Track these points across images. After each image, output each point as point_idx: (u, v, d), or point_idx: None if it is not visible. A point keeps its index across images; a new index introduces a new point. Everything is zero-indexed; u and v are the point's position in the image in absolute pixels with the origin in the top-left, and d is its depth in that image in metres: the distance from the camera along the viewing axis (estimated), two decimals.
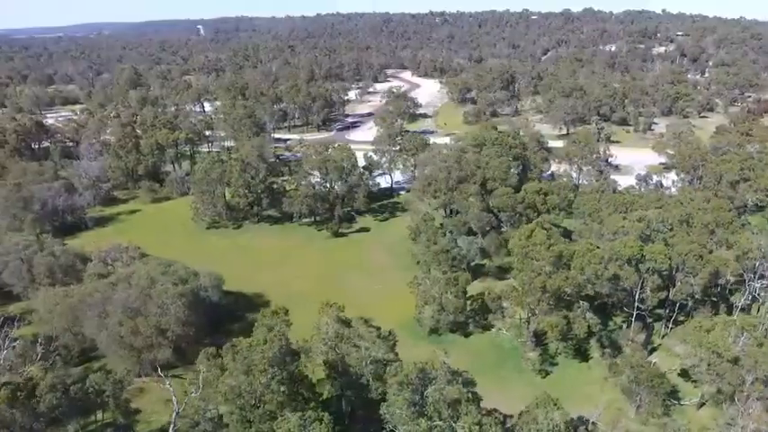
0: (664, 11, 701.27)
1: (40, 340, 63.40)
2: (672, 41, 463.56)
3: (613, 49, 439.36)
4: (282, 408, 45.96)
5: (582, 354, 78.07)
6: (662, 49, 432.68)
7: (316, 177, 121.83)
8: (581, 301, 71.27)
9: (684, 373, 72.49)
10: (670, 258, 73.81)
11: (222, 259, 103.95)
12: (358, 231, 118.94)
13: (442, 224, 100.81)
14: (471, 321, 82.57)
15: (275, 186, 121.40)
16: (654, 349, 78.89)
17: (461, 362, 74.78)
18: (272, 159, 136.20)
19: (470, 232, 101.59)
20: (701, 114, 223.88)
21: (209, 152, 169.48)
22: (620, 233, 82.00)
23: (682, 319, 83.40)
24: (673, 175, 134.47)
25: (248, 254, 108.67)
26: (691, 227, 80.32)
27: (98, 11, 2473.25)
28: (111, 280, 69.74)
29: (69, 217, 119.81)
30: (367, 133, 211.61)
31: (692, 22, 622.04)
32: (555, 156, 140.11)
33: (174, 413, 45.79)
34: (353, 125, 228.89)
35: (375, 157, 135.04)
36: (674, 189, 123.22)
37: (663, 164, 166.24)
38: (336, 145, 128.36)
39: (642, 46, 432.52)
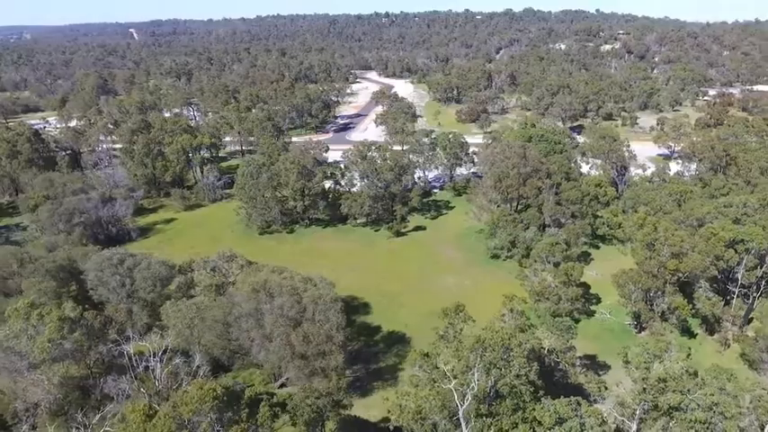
0: (597, 11, 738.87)
1: (197, 355, 60.87)
2: (616, 39, 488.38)
3: (563, 47, 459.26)
4: (533, 397, 46.96)
5: (686, 331, 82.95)
6: (609, 47, 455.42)
7: (362, 179, 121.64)
8: (702, 282, 75.71)
9: None
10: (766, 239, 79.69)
11: (294, 265, 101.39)
12: (415, 230, 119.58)
13: (516, 218, 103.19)
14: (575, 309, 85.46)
15: (329, 189, 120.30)
16: (749, 322, 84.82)
17: (587, 346, 78.17)
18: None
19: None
20: (675, 108, 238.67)
21: (215, 156, 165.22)
22: (708, 219, 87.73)
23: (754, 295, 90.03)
24: (687, 165, 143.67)
25: (317, 257, 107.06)
26: None
27: (14, 13, 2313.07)
28: (247, 289, 67.37)
29: (114, 229, 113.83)
30: (365, 134, 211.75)
31: (625, 21, 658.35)
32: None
33: (461, 410, 45.50)
34: (347, 126, 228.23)
35: (412, 157, 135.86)
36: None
37: (661, 155, 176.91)
38: (378, 146, 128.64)
39: (591, 44, 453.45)
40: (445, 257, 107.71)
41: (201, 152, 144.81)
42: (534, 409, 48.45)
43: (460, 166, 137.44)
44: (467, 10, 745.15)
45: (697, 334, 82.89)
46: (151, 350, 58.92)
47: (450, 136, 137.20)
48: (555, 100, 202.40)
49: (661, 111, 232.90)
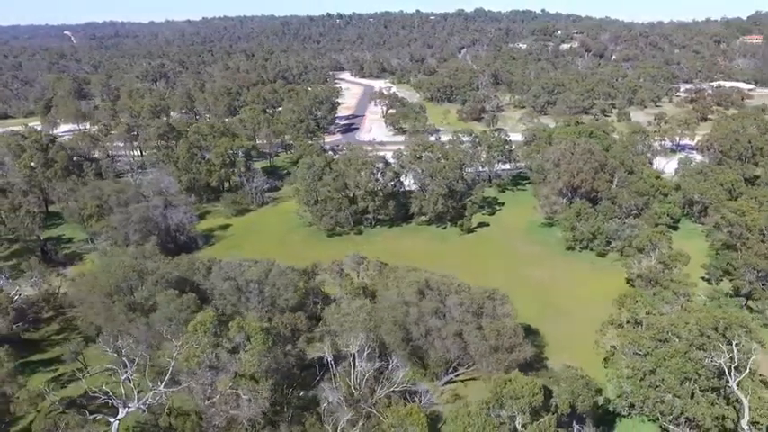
0: (543, 11, 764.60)
1: (393, 358, 60.74)
2: (572, 39, 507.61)
3: (524, 47, 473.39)
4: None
5: None
6: (567, 46, 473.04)
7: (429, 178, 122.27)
8: None
9: None
10: None
11: None
12: (479, 227, 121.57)
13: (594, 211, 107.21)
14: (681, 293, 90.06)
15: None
16: None
17: None
18: None
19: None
20: (657, 104, 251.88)
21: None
22: None
23: None
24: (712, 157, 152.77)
25: (399, 257, 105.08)
26: None
27: None
28: (411, 290, 67.42)
29: (182, 237, 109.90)
30: (371, 134, 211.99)
31: (572, 21, 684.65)
32: None
33: (733, 383, 48.12)
34: (350, 127, 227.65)
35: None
36: None
37: (667, 148, 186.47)
38: (431, 145, 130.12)
39: (551, 44, 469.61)
40: (523, 251, 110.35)
41: (239, 155, 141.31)
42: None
43: (505, 163, 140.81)
44: (417, 11, 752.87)
45: None
46: (353, 355, 58.33)
47: (495, 135, 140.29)
48: (560, 97, 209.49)
49: (645, 107, 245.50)
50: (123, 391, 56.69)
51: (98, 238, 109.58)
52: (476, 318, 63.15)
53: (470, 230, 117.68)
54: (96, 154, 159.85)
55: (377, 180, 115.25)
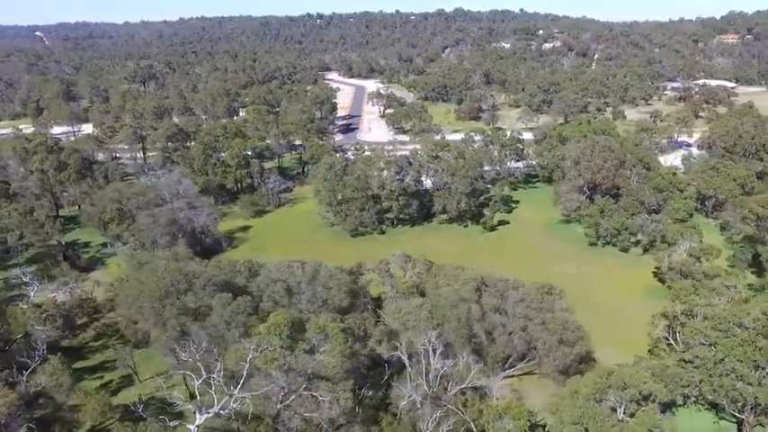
0: (522, 10, 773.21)
1: (464, 354, 61.20)
2: (554, 38, 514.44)
3: (507, 46, 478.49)
4: None
5: None
6: (549, 46, 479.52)
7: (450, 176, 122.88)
8: None
9: None
10: None
11: None
12: (499, 224, 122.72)
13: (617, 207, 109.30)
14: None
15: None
16: None
17: None
18: None
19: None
20: (648, 102, 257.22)
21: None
22: None
23: None
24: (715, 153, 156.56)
25: (431, 256, 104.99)
26: None
27: None
28: (468, 287, 68.10)
29: (207, 239, 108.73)
30: (371, 134, 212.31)
31: (551, 20, 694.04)
32: None
33: None
34: (348, 127, 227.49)
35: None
36: None
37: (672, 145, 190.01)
38: (447, 144, 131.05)
39: (534, 43, 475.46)
40: (547, 248, 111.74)
41: (251, 156, 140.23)
42: None
43: (518, 161, 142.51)
44: (397, 11, 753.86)
45: None
46: (429, 352, 58.67)
47: (508, 134, 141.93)
48: (557, 96, 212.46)
49: (636, 105, 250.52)
50: (198, 397, 56.11)
51: (119, 241, 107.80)
52: (537, 313, 64.06)
53: (492, 228, 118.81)
54: (100, 156, 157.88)
55: (401, 179, 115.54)
